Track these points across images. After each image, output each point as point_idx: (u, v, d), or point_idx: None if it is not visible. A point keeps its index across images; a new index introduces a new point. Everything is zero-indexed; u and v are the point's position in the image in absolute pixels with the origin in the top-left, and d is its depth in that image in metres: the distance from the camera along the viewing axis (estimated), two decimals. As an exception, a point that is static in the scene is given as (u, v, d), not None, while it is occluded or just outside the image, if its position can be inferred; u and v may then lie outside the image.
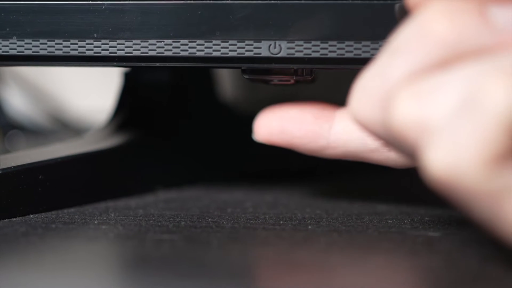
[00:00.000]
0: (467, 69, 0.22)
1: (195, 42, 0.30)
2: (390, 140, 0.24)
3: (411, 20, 0.23)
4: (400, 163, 0.31)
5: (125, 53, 0.31)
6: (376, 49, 0.29)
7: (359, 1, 0.29)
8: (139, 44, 0.31)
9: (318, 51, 0.29)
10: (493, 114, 0.21)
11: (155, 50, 0.31)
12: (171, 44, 0.30)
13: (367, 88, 0.24)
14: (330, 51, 0.29)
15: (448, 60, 0.22)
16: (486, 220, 0.22)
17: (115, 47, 0.31)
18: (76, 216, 0.33)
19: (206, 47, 0.30)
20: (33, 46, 0.31)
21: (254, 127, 0.32)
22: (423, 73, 0.22)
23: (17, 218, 0.32)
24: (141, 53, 0.31)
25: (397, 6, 0.28)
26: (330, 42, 0.29)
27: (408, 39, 0.23)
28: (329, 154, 0.31)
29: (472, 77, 0.21)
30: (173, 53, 0.30)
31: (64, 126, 0.69)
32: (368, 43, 0.29)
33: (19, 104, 0.71)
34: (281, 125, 0.31)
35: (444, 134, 0.21)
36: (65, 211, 0.34)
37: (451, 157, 0.21)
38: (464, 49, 0.22)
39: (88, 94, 0.73)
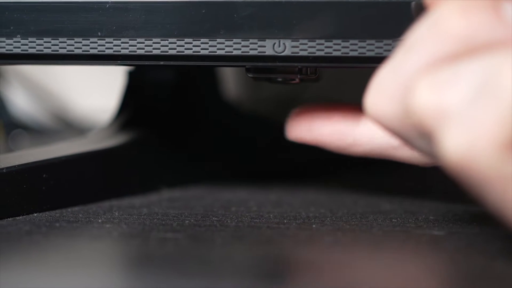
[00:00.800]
0: (483, 58, 0.22)
1: (199, 40, 0.30)
2: (405, 134, 0.24)
3: (426, 17, 0.24)
4: (424, 160, 0.31)
5: (129, 51, 0.31)
6: (381, 47, 0.29)
7: (364, 0, 0.29)
8: (143, 43, 0.31)
9: (323, 50, 0.29)
10: (508, 101, 0.21)
11: (159, 48, 0.30)
12: (175, 43, 0.30)
13: (383, 84, 0.24)
14: (334, 50, 0.29)
15: (463, 54, 0.23)
16: (499, 208, 0.22)
17: (119, 45, 0.31)
18: (80, 215, 0.33)
19: (210, 46, 0.30)
20: (37, 45, 0.31)
21: (286, 127, 0.33)
22: (440, 64, 0.23)
23: (21, 217, 0.32)
24: (145, 51, 0.31)
25: (413, 3, 0.28)
26: (335, 41, 0.29)
27: (423, 36, 0.24)
28: (356, 152, 0.32)
29: (488, 65, 0.22)
30: (177, 51, 0.30)
31: (67, 126, 0.69)
32: (372, 41, 0.29)
33: (23, 104, 0.71)
34: (309, 123, 0.32)
35: (460, 120, 0.22)
36: (69, 209, 0.34)
37: (467, 142, 0.22)
38: (477, 43, 0.23)
39: (92, 93, 0.73)
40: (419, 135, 0.24)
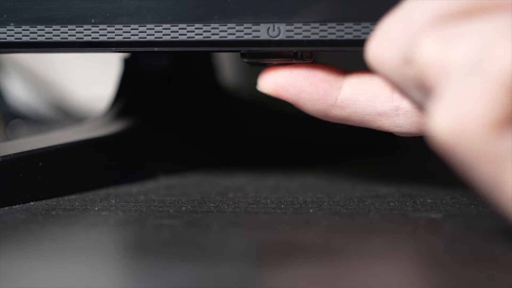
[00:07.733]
0: (484, 23, 0.22)
1: (194, 26, 0.30)
2: (403, 83, 0.25)
3: None
4: (405, 129, 0.30)
5: (123, 38, 0.31)
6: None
7: (358, -18, 0.29)
8: (137, 29, 0.30)
9: (317, 33, 0.29)
10: (498, 75, 0.21)
11: (153, 34, 0.30)
12: (169, 29, 0.30)
13: (389, 30, 0.24)
14: (329, 33, 0.29)
15: (475, 11, 0.23)
16: (486, 187, 0.22)
17: (113, 32, 0.31)
18: (77, 203, 0.33)
19: (204, 31, 0.30)
20: (30, 33, 0.31)
21: (259, 78, 0.31)
22: (452, 18, 0.23)
23: (17, 206, 0.32)
24: (140, 38, 0.30)
25: None
26: (329, 24, 0.29)
27: None
28: (335, 115, 0.30)
29: (486, 32, 0.22)
30: (172, 37, 0.30)
31: (66, 115, 0.69)
32: (367, 24, 0.29)
33: (21, 93, 0.71)
34: (290, 78, 0.30)
35: (451, 93, 0.22)
36: (66, 198, 0.34)
37: (454, 118, 0.21)
38: (487, 2, 0.23)
39: (90, 82, 0.72)
40: (416, 86, 0.24)
